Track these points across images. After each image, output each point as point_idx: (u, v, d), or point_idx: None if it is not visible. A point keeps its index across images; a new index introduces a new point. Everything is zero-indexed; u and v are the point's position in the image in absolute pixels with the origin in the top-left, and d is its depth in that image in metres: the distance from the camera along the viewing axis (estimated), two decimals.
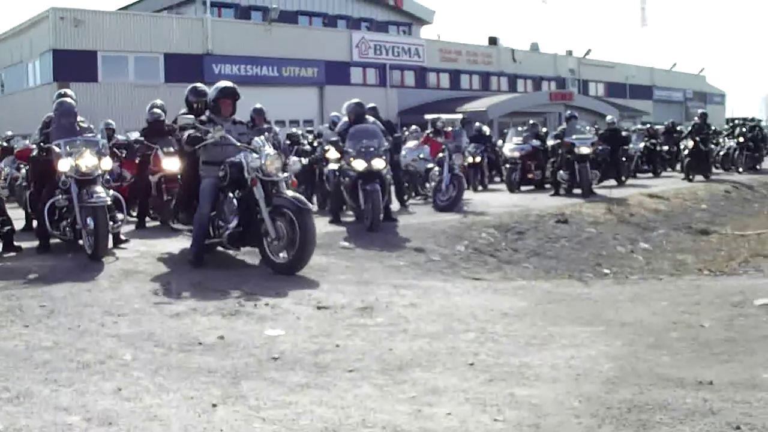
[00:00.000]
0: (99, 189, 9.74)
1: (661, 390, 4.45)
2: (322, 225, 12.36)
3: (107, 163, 10.48)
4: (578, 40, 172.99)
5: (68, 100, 10.90)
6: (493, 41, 57.21)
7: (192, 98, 11.00)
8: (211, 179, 9.61)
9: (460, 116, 22.26)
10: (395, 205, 14.47)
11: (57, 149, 9.93)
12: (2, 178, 18.18)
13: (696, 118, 24.35)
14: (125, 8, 45.85)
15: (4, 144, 16.39)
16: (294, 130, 21.52)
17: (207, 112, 10.06)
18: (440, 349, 5.50)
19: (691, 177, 22.63)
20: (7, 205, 11.21)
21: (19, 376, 5.05)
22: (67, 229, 10.11)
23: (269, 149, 9.42)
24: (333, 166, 13.80)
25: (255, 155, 9.22)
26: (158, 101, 15.14)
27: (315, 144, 17.46)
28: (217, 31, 40.53)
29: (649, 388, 4.48)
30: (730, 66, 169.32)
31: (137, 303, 7.34)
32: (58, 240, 10.36)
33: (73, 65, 34.56)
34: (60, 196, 10.10)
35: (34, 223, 12.21)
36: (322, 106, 38.01)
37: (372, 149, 12.54)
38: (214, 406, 4.36)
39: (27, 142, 15.90)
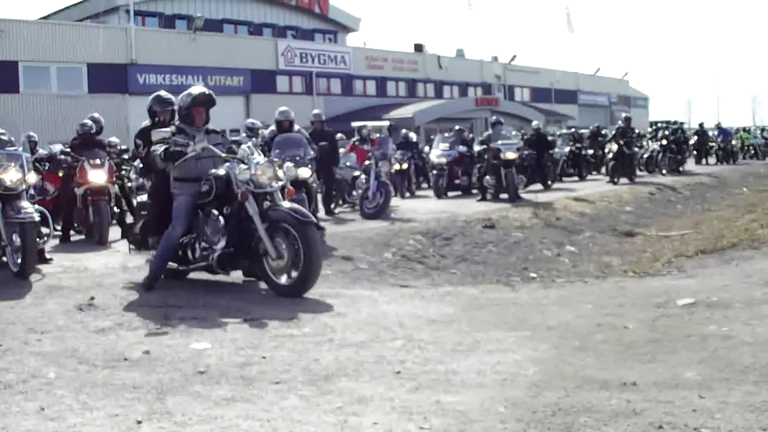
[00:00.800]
0: (25, 204, 9.50)
1: (586, 392, 4.50)
2: None
3: (32, 178, 10.21)
4: (504, 46, 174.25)
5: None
6: (418, 48, 57.58)
7: (157, 108, 9.95)
8: (186, 197, 8.78)
9: (386, 123, 22.37)
10: (321, 213, 14.48)
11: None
12: None
13: (620, 122, 24.75)
14: (47, 17, 45.28)
15: None
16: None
17: (175, 123, 9.24)
18: (367, 358, 5.51)
19: (615, 180, 23.01)
20: None
21: None
22: None
23: (258, 157, 8.70)
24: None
25: (243, 166, 8.43)
26: (96, 114, 14.91)
27: None
28: (141, 40, 40.18)
29: (575, 391, 4.53)
30: (653, 70, 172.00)
31: (61, 319, 7.21)
32: None
33: None
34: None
35: None
36: (248, 114, 37.78)
37: (298, 158, 12.38)
38: (139, 422, 4.31)
39: None
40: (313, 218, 8.32)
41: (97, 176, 13.19)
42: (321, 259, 8.45)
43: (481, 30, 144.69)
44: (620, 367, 5.02)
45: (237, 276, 8.92)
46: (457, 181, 21.27)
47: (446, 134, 23.84)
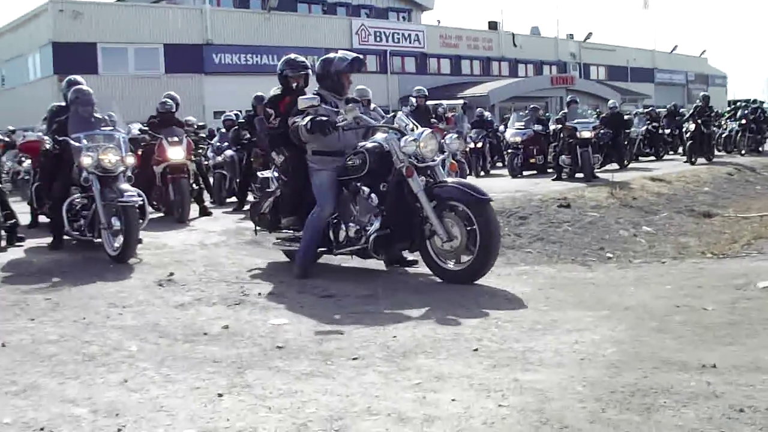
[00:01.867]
0: (127, 187, 9.34)
1: (664, 374, 4.45)
2: None
3: (130, 159, 10.00)
4: (579, 24, 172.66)
5: (86, 88, 10.36)
6: (493, 26, 57.19)
7: (289, 72, 8.93)
8: (329, 172, 8.06)
9: (461, 102, 22.25)
10: None
11: (76, 143, 9.50)
12: (5, 172, 18.21)
13: (698, 101, 24.33)
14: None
15: (6, 139, 16.39)
16: None
17: (315, 89, 8.38)
18: (444, 336, 5.51)
19: (693, 160, 22.65)
20: (9, 199, 11.20)
21: (25, 369, 5.07)
22: (84, 228, 9.70)
23: (417, 126, 7.85)
24: None
25: (408, 137, 7.52)
26: (172, 93, 14.80)
27: None
28: (216, 20, 40.60)
29: (653, 372, 4.48)
30: (732, 48, 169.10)
31: (141, 295, 7.37)
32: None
33: (73, 57, 34.61)
34: (78, 194, 9.71)
35: (41, 218, 12.24)
36: None
37: None
38: (220, 395, 4.38)
39: (29, 134, 15.75)
40: (490, 195, 7.44)
41: (176, 153, 13.05)
42: (500, 241, 7.73)
43: (557, 7, 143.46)
44: (699, 349, 4.95)
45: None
46: (532, 160, 21.14)
47: (521, 113, 23.68)
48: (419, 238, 7.59)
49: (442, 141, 8.16)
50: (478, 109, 25.65)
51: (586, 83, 54.39)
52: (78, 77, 11.38)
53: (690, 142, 23.20)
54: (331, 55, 8.39)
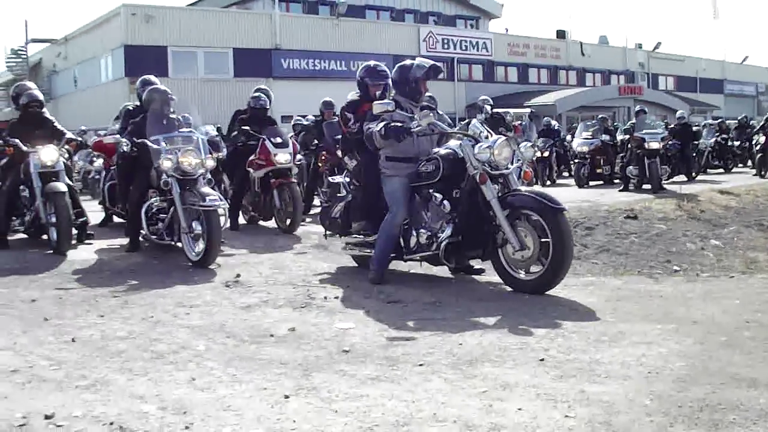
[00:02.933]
0: (209, 190, 9.15)
1: (733, 390, 4.40)
2: None
3: (211, 162, 9.73)
4: (648, 33, 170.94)
5: (163, 87, 10.30)
6: (561, 35, 56.92)
7: (369, 81, 8.88)
8: (402, 179, 8.00)
9: (528, 110, 22.17)
10: None
11: (154, 146, 9.39)
12: (76, 171, 18.56)
13: None
14: (194, 4, 46.64)
15: (79, 139, 16.70)
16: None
17: (391, 95, 8.43)
18: (510, 345, 5.50)
19: (763, 173, 22.27)
20: (80, 197, 11.40)
21: (95, 364, 5.17)
22: (163, 231, 9.69)
23: (492, 134, 7.79)
24: None
25: (483, 144, 7.47)
26: (263, 86, 13.81)
27: None
28: (285, 25, 40.98)
29: (722, 388, 4.43)
30: None
31: (209, 295, 7.47)
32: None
33: (144, 60, 35.11)
34: (157, 198, 9.68)
35: (114, 218, 12.45)
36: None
37: None
38: (287, 397, 4.42)
39: (107, 138, 15.95)
40: (564, 205, 7.29)
41: (283, 157, 11.89)
42: (572, 252, 7.52)
43: (625, 16, 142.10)
44: None
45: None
46: (599, 171, 21.01)
47: (589, 122, 23.53)
48: (491, 246, 7.50)
49: (516, 149, 8.14)
50: (546, 118, 25.53)
51: (655, 93, 53.84)
52: (152, 77, 11.34)
53: (760, 154, 22.81)
54: (409, 61, 8.30)
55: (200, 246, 9.01)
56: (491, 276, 7.94)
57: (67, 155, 11.06)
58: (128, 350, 5.53)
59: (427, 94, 11.24)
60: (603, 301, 7.03)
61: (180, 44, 37.69)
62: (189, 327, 6.22)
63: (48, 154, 10.23)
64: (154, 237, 9.76)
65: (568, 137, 26.14)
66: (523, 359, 5.15)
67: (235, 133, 12.37)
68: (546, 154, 21.88)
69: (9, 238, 10.80)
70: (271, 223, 12.56)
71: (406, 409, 4.19)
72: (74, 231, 10.38)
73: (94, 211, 12.33)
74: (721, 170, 25.31)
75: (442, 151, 7.87)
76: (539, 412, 4.09)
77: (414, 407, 4.21)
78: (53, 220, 10.00)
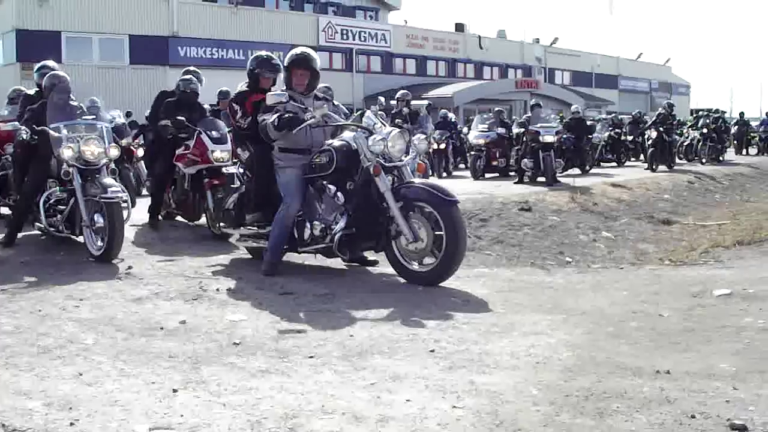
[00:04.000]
0: (111, 181, 8.78)
1: (619, 379, 4.49)
2: None
3: (115, 151, 9.26)
4: (545, 28, 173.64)
5: (62, 73, 9.61)
6: (460, 28, 57.35)
7: (265, 73, 8.74)
8: (296, 170, 7.95)
9: (425, 102, 22.22)
10: None
11: (55, 133, 8.85)
12: None
13: (661, 109, 24.54)
14: None
15: None
16: None
17: (282, 88, 8.23)
18: (401, 336, 5.53)
19: (654, 167, 22.83)
20: None
21: None
22: (61, 224, 9.16)
23: (385, 125, 7.86)
24: None
25: (377, 136, 7.49)
26: (191, 68, 12.29)
27: None
28: (183, 13, 40.38)
29: (607, 377, 4.53)
30: (696, 57, 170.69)
31: (99, 288, 7.31)
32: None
33: (37, 46, 34.16)
34: (56, 188, 9.15)
35: (3, 210, 11.97)
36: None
37: None
38: (175, 391, 4.37)
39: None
40: (457, 198, 7.36)
41: (221, 153, 10.53)
42: (465, 243, 7.51)
43: (523, 11, 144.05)
44: (654, 355, 5.00)
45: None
46: (494, 163, 21.24)
47: (485, 115, 23.78)
48: (384, 238, 7.53)
49: (410, 141, 8.14)
50: (442, 110, 25.68)
51: (551, 88, 54.67)
52: (51, 62, 10.65)
53: (652, 149, 23.37)
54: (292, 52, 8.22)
55: (101, 240, 8.63)
56: (385, 267, 7.97)
57: None
58: (14, 345, 5.39)
59: (323, 84, 11.14)
60: (495, 293, 7.12)
61: (74, 29, 36.84)
62: (78, 320, 6.09)
63: None
64: (52, 229, 9.26)
65: (465, 130, 26.39)
66: (413, 350, 5.18)
67: (165, 122, 10.84)
68: (443, 146, 22.00)
69: None
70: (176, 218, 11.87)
71: (295, 401, 4.17)
72: None
73: None
74: (614, 164, 25.84)
75: (336, 142, 7.85)
76: (427, 403, 4.12)
77: (303, 399, 4.20)
78: None
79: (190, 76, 11.51)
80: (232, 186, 9.02)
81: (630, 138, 27.13)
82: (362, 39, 49.31)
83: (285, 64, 8.17)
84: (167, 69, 38.28)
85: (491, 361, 4.93)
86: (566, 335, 5.53)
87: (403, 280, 7.54)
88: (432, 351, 5.15)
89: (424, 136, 8.94)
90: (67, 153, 8.70)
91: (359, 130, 7.72)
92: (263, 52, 9.07)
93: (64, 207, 9.15)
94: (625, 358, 4.95)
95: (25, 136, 9.28)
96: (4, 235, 9.49)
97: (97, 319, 6.17)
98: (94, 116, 9.51)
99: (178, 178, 11.04)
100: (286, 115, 7.72)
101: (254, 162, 8.46)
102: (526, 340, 5.40)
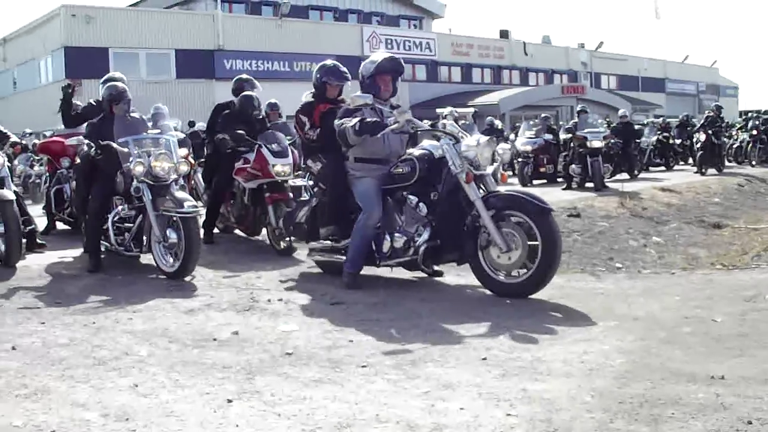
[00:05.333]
0: (185, 195, 8.53)
1: (673, 385, 4.46)
2: None
3: (185, 167, 9.00)
4: (590, 33, 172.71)
5: (120, 84, 9.30)
6: (504, 34, 57.19)
7: (332, 81, 8.68)
8: (373, 180, 7.73)
9: (471, 110, 22.17)
10: None
11: (123, 149, 8.63)
12: (16, 175, 18.21)
13: (709, 111, 24.31)
14: (136, 4, 46.13)
15: (23, 142, 16.25)
16: None
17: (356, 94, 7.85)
18: (453, 344, 5.53)
19: (703, 170, 22.62)
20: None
21: (36, 372, 5.10)
22: (129, 242, 8.86)
23: (465, 134, 7.50)
24: None
25: (469, 142, 7.24)
26: (244, 75, 12.25)
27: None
28: (228, 26, 40.70)
29: (661, 383, 4.49)
30: (743, 58, 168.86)
31: (151, 300, 7.39)
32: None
33: (85, 62, 34.72)
34: (124, 206, 8.88)
35: (59, 225, 12.10)
36: None
37: None
38: (230, 401, 4.40)
39: (48, 136, 15.44)
40: (551, 205, 7.04)
41: (283, 168, 10.19)
42: (561, 255, 7.19)
43: (568, 16, 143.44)
44: (708, 361, 4.95)
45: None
46: (542, 169, 21.11)
47: (532, 122, 23.66)
48: (471, 249, 7.20)
49: (497, 151, 8.03)
50: (489, 117, 25.67)
51: (597, 93, 54.29)
52: (118, 74, 10.35)
53: (701, 152, 23.18)
54: (368, 60, 8.11)
55: (175, 256, 8.40)
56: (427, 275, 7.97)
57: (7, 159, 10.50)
58: (70, 357, 5.47)
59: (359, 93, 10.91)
60: (546, 300, 7.08)
61: (121, 45, 37.26)
62: (132, 332, 6.16)
63: None
64: (121, 248, 8.93)
65: (512, 136, 26.29)
66: (465, 358, 5.18)
67: (223, 136, 10.45)
68: None
69: None
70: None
71: (348, 410, 4.19)
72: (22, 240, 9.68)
73: (36, 216, 12.09)
74: (663, 168, 25.63)
75: (416, 151, 7.63)
76: (481, 411, 4.11)
77: (357, 408, 4.22)
78: (0, 230, 9.26)
79: (251, 93, 11.13)
80: (300, 199, 8.80)
81: (678, 141, 26.90)
82: (406, 48, 49.29)
83: (371, 71, 7.89)
84: (213, 82, 38.62)
85: (544, 368, 4.91)
86: (618, 341, 5.49)
87: (452, 288, 7.54)
88: (484, 359, 5.14)
89: (509, 146, 8.83)
90: (138, 169, 8.43)
91: (445, 137, 7.45)
92: (329, 61, 8.93)
93: (131, 225, 8.89)
94: (678, 364, 4.91)
95: (90, 152, 9.07)
96: (89, 260, 9.04)
97: (150, 330, 6.24)
98: (157, 124, 9.29)
99: (237, 192, 10.72)
100: (368, 120, 7.54)
101: (328, 174, 8.23)
102: (578, 347, 5.37)
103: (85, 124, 9.89)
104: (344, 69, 8.74)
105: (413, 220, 7.54)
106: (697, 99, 69.90)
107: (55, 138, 13.41)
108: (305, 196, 8.84)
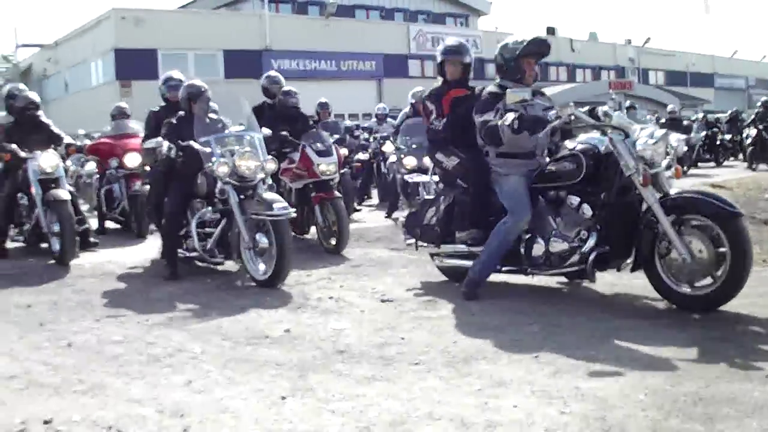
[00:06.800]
0: (275, 196, 8.07)
1: (727, 383, 4.42)
2: (381, 219, 12.45)
3: (272, 164, 8.52)
4: (637, 29, 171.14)
5: (200, 83, 8.98)
6: (551, 31, 56.82)
7: (450, 57, 7.79)
8: (520, 178, 6.90)
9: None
10: None
11: (205, 149, 8.28)
12: (69, 175, 18.43)
13: (760, 106, 24.00)
14: (184, 6, 46.45)
15: (78, 143, 16.45)
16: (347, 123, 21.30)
17: (496, 80, 7.26)
18: (504, 342, 5.52)
19: (754, 166, 22.33)
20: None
21: (91, 369, 5.22)
22: (215, 249, 8.51)
23: (646, 125, 6.71)
24: (393, 159, 13.51)
25: (647, 139, 6.33)
26: (272, 73, 12.43)
27: (370, 138, 17.35)
28: (275, 26, 40.87)
29: (716, 381, 4.46)
30: None
31: (204, 297, 7.47)
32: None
33: (135, 63, 35.22)
34: (207, 209, 8.55)
35: (108, 224, 12.23)
36: (380, 99, 38.00)
37: (425, 146, 11.59)
38: (283, 398, 4.45)
39: (98, 137, 15.61)
40: (739, 209, 6.16)
41: (328, 167, 10.26)
42: (752, 262, 6.11)
43: (614, 12, 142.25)
44: (764, 359, 4.90)
45: (375, 257, 8.66)
46: None
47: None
48: (645, 256, 6.38)
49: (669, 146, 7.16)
50: None
51: (645, 88, 53.80)
52: (177, 73, 10.45)
53: (751, 148, 22.90)
54: (511, 40, 7.20)
55: (265, 263, 7.98)
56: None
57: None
58: (124, 354, 5.56)
59: (417, 88, 10.50)
60: (598, 298, 7.06)
61: (170, 47, 37.58)
62: (184, 330, 6.24)
63: (48, 160, 9.83)
64: (208, 255, 8.58)
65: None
66: (517, 356, 5.17)
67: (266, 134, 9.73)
68: None
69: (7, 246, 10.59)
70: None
71: (402, 408, 4.21)
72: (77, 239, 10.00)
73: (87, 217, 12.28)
74: (713, 164, 25.35)
75: (579, 146, 6.73)
76: (534, 409, 4.11)
77: (410, 406, 4.24)
78: (56, 229, 9.56)
79: (291, 88, 11.33)
80: (426, 198, 8.10)
81: (728, 137, 26.59)
82: None
83: (517, 53, 7.00)
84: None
85: (596, 366, 4.89)
86: (671, 339, 5.44)
87: (501, 285, 7.52)
88: (536, 356, 5.13)
89: (684, 137, 7.80)
90: (222, 169, 8.05)
91: (613, 131, 6.48)
92: (451, 39, 8.42)
93: (212, 229, 8.55)
94: (733, 362, 4.86)
95: (171, 153, 8.68)
96: (167, 268, 8.71)
97: (202, 328, 6.30)
98: (245, 127, 8.77)
99: (284, 192, 10.59)
100: (529, 116, 6.72)
101: (469, 170, 7.32)
102: (630, 345, 5.34)
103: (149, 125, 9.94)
104: (467, 44, 8.04)
105: (573, 223, 6.66)
106: (747, 94, 69.04)
107: (103, 139, 13.69)
108: (429, 195, 8.07)
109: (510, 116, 6.63)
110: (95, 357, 5.52)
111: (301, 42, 41.43)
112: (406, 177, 8.05)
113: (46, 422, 4.13)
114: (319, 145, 10.38)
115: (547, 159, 7.16)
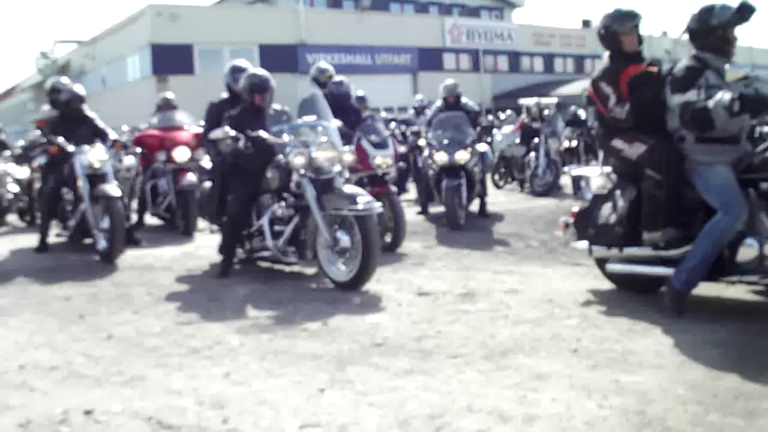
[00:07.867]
0: (357, 189, 7.55)
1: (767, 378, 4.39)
2: (417, 213, 12.44)
3: (349, 156, 8.03)
4: (674, 20, 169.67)
5: (262, 72, 8.42)
6: (586, 23, 56.50)
7: (618, 26, 6.79)
8: (729, 167, 5.80)
9: (554, 100, 21.92)
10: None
11: (278, 140, 7.87)
12: None
13: None
14: (220, 2, 46.65)
15: (122, 139, 16.46)
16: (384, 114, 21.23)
17: (692, 51, 6.38)
18: (543, 335, 5.51)
19: None
20: None
21: (131, 360, 5.26)
22: (291, 248, 7.95)
23: None
24: (426, 153, 13.44)
25: None
26: (322, 64, 11.52)
27: (407, 132, 17.31)
28: (310, 20, 40.95)
29: (756, 376, 4.42)
30: None
31: (242, 290, 7.51)
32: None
33: (171, 59, 35.53)
34: (280, 203, 8.01)
35: (148, 219, 12.36)
36: (415, 92, 38.00)
37: (456, 141, 11.49)
38: (322, 390, 4.46)
39: (141, 128, 15.49)
40: None
41: (384, 160, 9.87)
42: None
43: (650, 4, 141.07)
44: None
45: (412, 251, 8.60)
46: None
47: None
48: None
49: None
50: (572, 107, 25.33)
51: None
52: (244, 62, 9.67)
53: None
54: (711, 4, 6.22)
55: (345, 263, 7.54)
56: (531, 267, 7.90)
57: None
58: (163, 346, 5.60)
59: (451, 81, 10.22)
60: (636, 293, 7.01)
61: (206, 41, 37.81)
62: (222, 322, 6.27)
63: (97, 154, 9.63)
64: (280, 254, 8.03)
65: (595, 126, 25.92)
66: (555, 350, 5.16)
67: None
68: (573, 143, 21.69)
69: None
70: None
71: (440, 400, 4.21)
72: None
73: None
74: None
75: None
76: (573, 402, 4.10)
77: (448, 399, 4.24)
78: (103, 225, 9.27)
79: (341, 78, 10.73)
80: (598, 194, 6.86)
81: (766, 129, 26.32)
82: (488, 39, 49.07)
83: (723, 19, 6.19)
84: (296, 76, 38.91)
85: (635, 360, 4.87)
86: (711, 333, 5.41)
87: (539, 279, 7.49)
88: (575, 350, 5.12)
89: None
90: (298, 161, 7.61)
91: None
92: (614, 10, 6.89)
93: (281, 227, 8.02)
94: None
95: (240, 144, 7.90)
96: (220, 264, 8.43)
97: (240, 321, 6.34)
98: (316, 117, 8.17)
99: None
100: (751, 95, 5.43)
101: (662, 159, 6.04)
102: (669, 339, 5.31)
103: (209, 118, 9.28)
104: (633, 11, 6.89)
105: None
106: None
107: (150, 131, 13.39)
108: (603, 190, 6.90)
109: (726, 96, 5.47)
110: (134, 348, 5.56)
111: (336, 36, 41.50)
112: (572, 173, 7.16)
113: (86, 412, 4.18)
114: (374, 137, 9.99)
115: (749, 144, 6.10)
